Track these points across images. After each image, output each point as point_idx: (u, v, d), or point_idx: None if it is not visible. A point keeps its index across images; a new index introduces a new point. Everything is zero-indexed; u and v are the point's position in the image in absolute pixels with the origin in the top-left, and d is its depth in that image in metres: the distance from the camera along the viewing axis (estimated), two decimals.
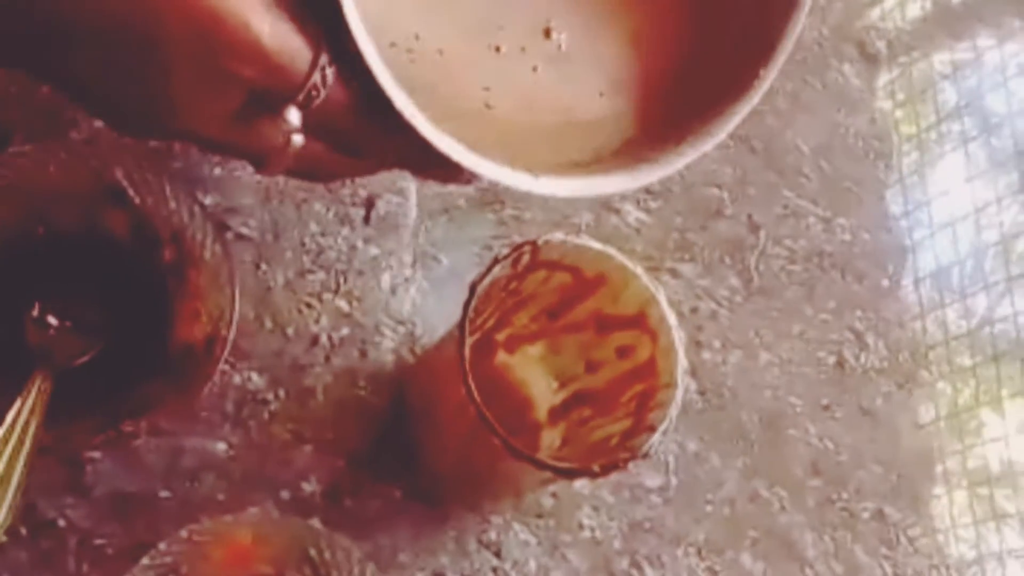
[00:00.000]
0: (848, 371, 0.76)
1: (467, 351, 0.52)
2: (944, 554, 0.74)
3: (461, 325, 0.53)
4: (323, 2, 0.43)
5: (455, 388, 0.53)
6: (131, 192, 0.58)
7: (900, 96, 0.85)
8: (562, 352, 0.61)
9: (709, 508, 0.70)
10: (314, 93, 0.44)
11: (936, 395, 0.77)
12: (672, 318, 0.56)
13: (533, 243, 0.54)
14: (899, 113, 0.85)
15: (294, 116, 0.45)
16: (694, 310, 0.74)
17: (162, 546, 0.53)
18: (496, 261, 0.54)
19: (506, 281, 0.57)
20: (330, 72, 0.44)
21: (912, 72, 0.86)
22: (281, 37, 0.43)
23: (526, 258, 0.55)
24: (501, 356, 0.62)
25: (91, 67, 0.43)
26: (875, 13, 0.87)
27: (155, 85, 0.43)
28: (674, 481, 0.70)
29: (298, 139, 0.46)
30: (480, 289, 0.54)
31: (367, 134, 0.47)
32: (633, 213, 0.74)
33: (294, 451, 0.63)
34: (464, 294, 0.52)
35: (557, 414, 0.62)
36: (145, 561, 0.53)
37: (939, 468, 0.76)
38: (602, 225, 0.74)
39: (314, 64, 0.44)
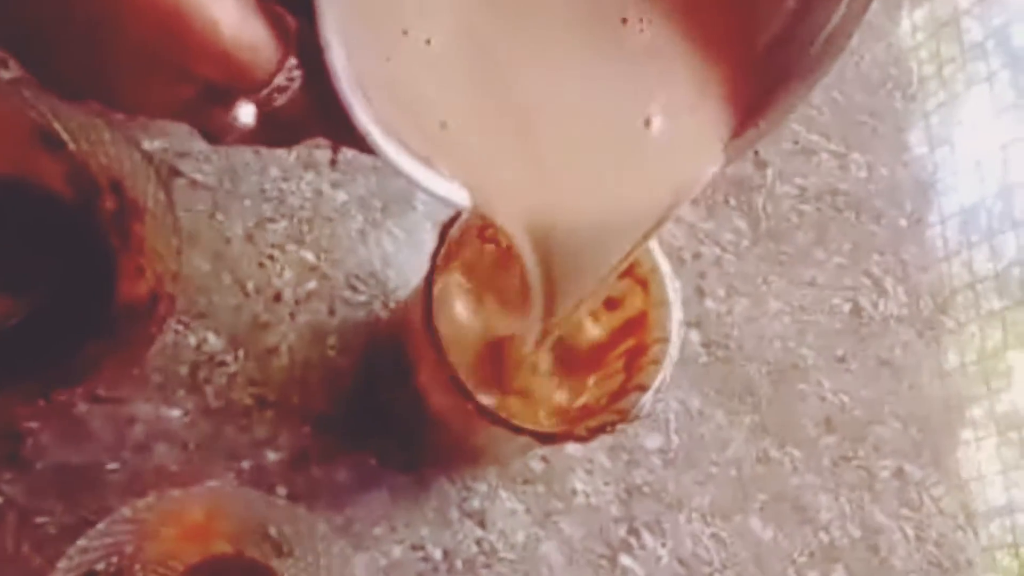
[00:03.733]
0: (865, 319, 0.72)
1: (433, 305, 0.48)
2: (970, 512, 0.70)
3: (428, 277, 0.49)
4: None
5: (428, 346, 0.49)
6: (66, 136, 0.54)
7: (921, 32, 0.81)
8: None
9: (714, 470, 0.67)
10: (276, 95, 0.41)
11: (962, 340, 0.73)
12: (665, 266, 0.52)
13: None
14: (922, 51, 0.80)
15: (247, 113, 0.41)
16: (696, 256, 0.70)
17: (102, 525, 0.49)
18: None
19: (482, 226, 0.53)
20: (297, 75, 0.40)
21: (935, 6, 0.81)
22: (248, 35, 0.39)
23: None
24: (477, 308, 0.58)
25: (26, 27, 0.39)
26: None
27: (101, 68, 0.39)
28: (675, 441, 0.66)
29: (247, 127, 0.43)
30: (452, 234, 0.50)
31: (321, 129, 0.44)
32: None
33: (256, 417, 0.60)
34: None
35: (541, 371, 0.57)
36: (82, 542, 0.48)
37: (966, 415, 0.72)
38: None
39: (280, 66, 0.40)
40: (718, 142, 0.41)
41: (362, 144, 0.40)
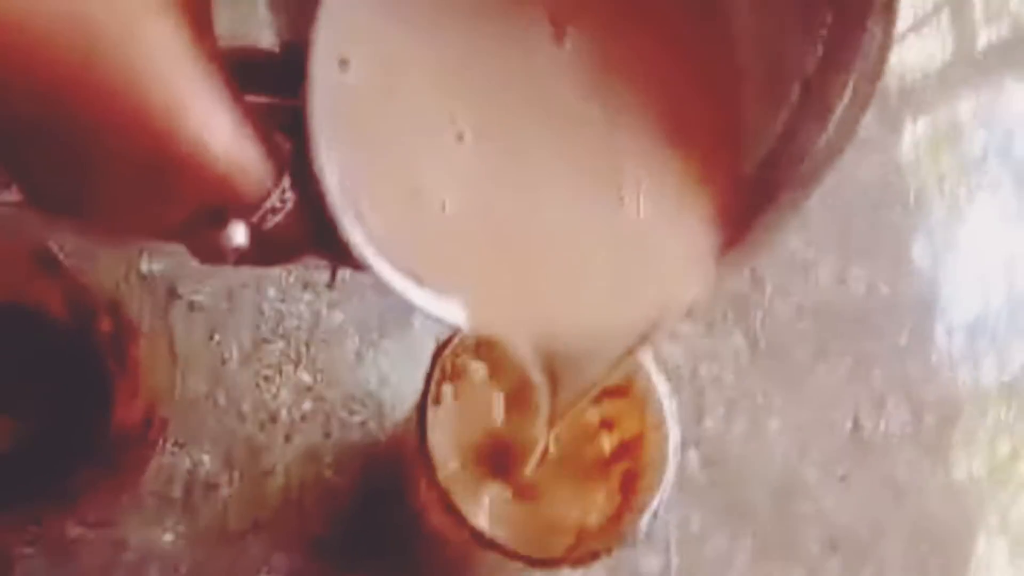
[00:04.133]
0: (866, 437, 0.72)
1: (428, 429, 0.48)
2: None
3: (422, 402, 0.49)
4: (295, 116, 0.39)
5: (423, 469, 0.49)
6: (63, 257, 0.55)
7: (922, 143, 0.82)
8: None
9: None
10: (269, 216, 0.41)
11: (971, 452, 0.73)
12: (663, 386, 0.52)
13: None
14: (922, 163, 0.81)
15: (240, 234, 0.42)
16: (695, 373, 0.70)
17: None
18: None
19: (477, 346, 0.53)
20: (290, 196, 0.41)
21: (935, 117, 0.82)
22: (241, 157, 0.39)
23: None
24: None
25: (15, 145, 0.40)
26: (893, 58, 0.83)
27: (87, 186, 0.39)
28: (675, 562, 0.66)
29: (240, 249, 0.43)
30: (447, 355, 0.50)
31: (315, 249, 0.45)
32: None
33: (250, 541, 0.59)
34: None
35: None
36: None
37: (978, 525, 0.71)
38: None
39: (274, 188, 0.40)
40: (703, 262, 0.42)
41: (357, 263, 0.41)
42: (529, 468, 0.51)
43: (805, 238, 0.76)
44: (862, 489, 0.71)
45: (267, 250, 0.44)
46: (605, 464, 0.54)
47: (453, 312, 0.41)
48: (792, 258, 0.75)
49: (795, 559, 0.68)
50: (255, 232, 0.42)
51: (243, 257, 0.44)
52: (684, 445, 0.63)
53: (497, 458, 0.53)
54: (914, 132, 0.82)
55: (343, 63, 0.38)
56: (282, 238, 0.43)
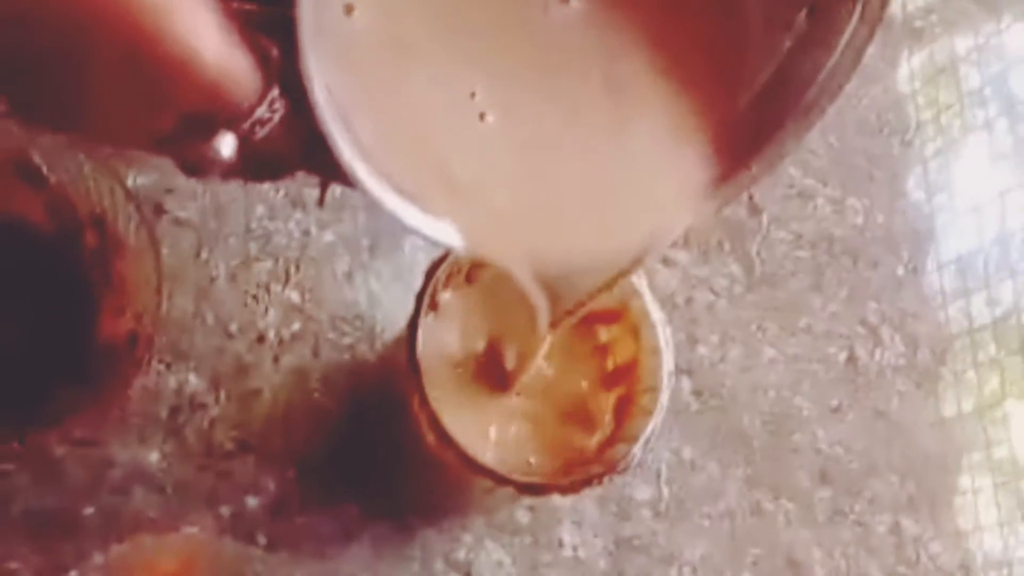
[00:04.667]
0: (861, 369, 0.72)
1: (419, 348, 0.48)
2: (968, 568, 0.70)
3: (412, 320, 0.49)
4: (284, 23, 0.38)
5: (413, 390, 0.49)
6: (46, 170, 0.54)
7: (920, 76, 0.81)
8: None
9: (706, 523, 0.66)
10: (258, 128, 0.40)
11: (960, 389, 0.73)
12: (657, 313, 0.52)
13: None
14: (919, 96, 0.80)
15: (228, 145, 0.41)
16: (689, 301, 0.70)
17: (74, 573, 0.48)
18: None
19: (471, 267, 0.52)
20: (280, 107, 0.40)
21: (933, 52, 0.81)
22: (230, 65, 0.38)
23: None
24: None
25: (1, 53, 0.39)
26: None
27: (77, 96, 0.39)
28: (666, 493, 0.66)
29: (228, 160, 0.42)
30: (440, 275, 0.50)
31: (303, 164, 0.44)
32: None
33: (237, 462, 0.59)
34: None
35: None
36: None
37: (964, 462, 0.72)
38: None
39: (262, 98, 0.39)
40: (695, 193, 0.42)
41: (348, 179, 0.40)
42: (522, 381, 0.51)
43: (803, 168, 0.75)
44: (855, 422, 0.71)
45: (256, 164, 0.43)
46: (600, 388, 0.53)
47: (447, 232, 0.41)
48: (790, 187, 0.75)
49: (786, 490, 0.68)
50: (244, 144, 0.41)
51: (231, 171, 0.43)
52: (676, 373, 0.63)
53: (490, 376, 0.52)
54: (912, 65, 0.81)
55: None
56: (271, 151, 0.42)
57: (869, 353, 0.72)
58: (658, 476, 0.66)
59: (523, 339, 0.50)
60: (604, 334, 0.54)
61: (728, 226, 0.72)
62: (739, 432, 0.68)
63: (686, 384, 0.68)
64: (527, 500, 0.62)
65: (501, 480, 0.48)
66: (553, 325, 0.44)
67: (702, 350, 0.69)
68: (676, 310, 0.69)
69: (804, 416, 0.70)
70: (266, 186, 0.64)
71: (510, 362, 0.52)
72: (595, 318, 0.54)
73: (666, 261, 0.70)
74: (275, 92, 0.40)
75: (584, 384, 0.54)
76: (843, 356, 0.72)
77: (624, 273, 0.43)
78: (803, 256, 0.73)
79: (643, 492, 0.65)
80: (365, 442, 0.60)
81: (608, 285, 0.43)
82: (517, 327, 0.51)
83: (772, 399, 0.70)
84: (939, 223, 0.78)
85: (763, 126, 0.44)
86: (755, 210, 0.73)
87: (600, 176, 0.43)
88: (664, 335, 0.51)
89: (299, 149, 0.42)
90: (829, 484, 0.69)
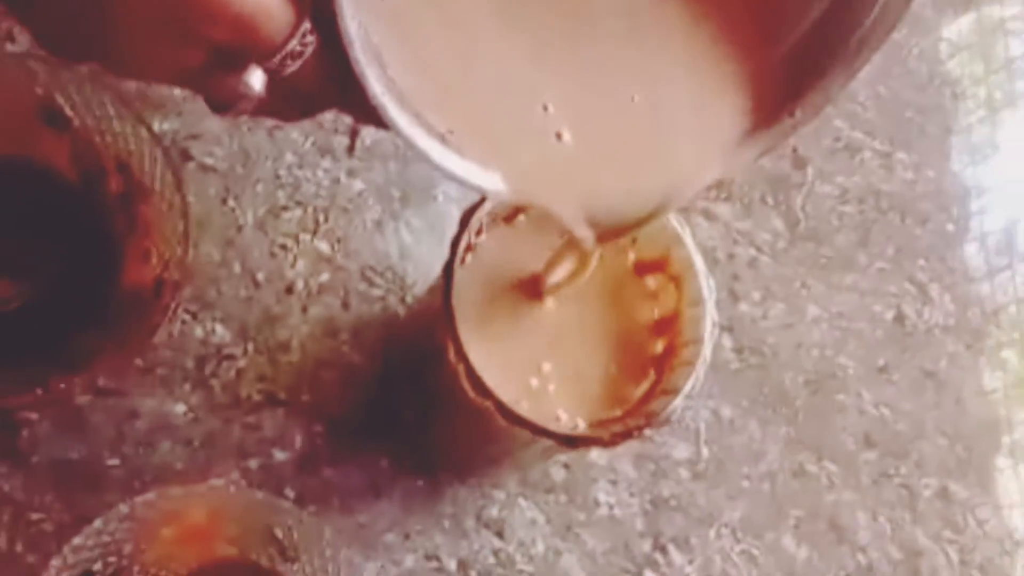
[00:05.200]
0: (908, 328, 0.71)
1: (454, 294, 0.47)
2: (1015, 538, 0.69)
3: (448, 266, 0.48)
4: None
5: (448, 340, 0.48)
6: (71, 113, 0.54)
7: (969, 37, 0.79)
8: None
9: (746, 484, 0.65)
10: (289, 62, 0.40)
11: (1003, 361, 0.72)
12: (700, 262, 0.51)
13: None
14: (967, 54, 0.79)
15: (258, 79, 0.41)
16: (731, 256, 0.69)
17: (98, 523, 0.48)
18: None
19: (510, 213, 0.52)
20: (311, 40, 0.40)
21: (981, 15, 0.80)
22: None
23: None
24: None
25: None
26: None
27: (104, 27, 0.39)
28: (705, 452, 0.65)
29: (257, 95, 0.42)
30: (475, 221, 0.49)
31: (334, 100, 0.44)
32: None
33: (264, 414, 0.59)
34: None
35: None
36: (78, 540, 0.48)
37: (1005, 439, 0.71)
38: None
39: (294, 31, 0.39)
40: (728, 142, 0.43)
41: (379, 119, 0.40)
42: (566, 328, 0.51)
43: (850, 120, 0.74)
44: (902, 382, 0.70)
45: (286, 101, 0.43)
46: (646, 337, 0.53)
47: (485, 177, 0.40)
48: (836, 140, 0.73)
49: (829, 453, 0.67)
50: (273, 79, 0.41)
51: (260, 107, 0.43)
52: (718, 330, 0.63)
53: (529, 313, 0.52)
54: (962, 23, 0.80)
55: None
56: (302, 87, 0.42)
57: (917, 312, 0.71)
58: (697, 435, 0.65)
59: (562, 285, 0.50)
60: (652, 282, 0.53)
61: (771, 179, 0.71)
62: (781, 391, 0.67)
63: (727, 341, 0.67)
64: (562, 457, 0.62)
65: (539, 431, 0.47)
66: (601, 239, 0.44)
67: (743, 307, 0.68)
68: (717, 265, 0.68)
69: (849, 376, 0.69)
70: (295, 134, 0.63)
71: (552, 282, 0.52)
72: (640, 267, 0.53)
73: (707, 215, 0.69)
74: (307, 25, 0.40)
75: (631, 332, 0.53)
76: (890, 315, 0.71)
77: (662, 210, 0.43)
78: (849, 211, 0.72)
79: (681, 451, 0.65)
80: (395, 395, 0.60)
81: (651, 220, 0.43)
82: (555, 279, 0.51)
83: (815, 358, 0.69)
84: (987, 185, 0.76)
85: (805, 72, 0.43)
86: (799, 163, 0.72)
87: (640, 117, 0.43)
88: (708, 285, 0.51)
89: (331, 85, 0.41)
90: (874, 446, 0.68)
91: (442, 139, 0.40)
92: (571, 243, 0.48)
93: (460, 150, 0.40)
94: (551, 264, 0.50)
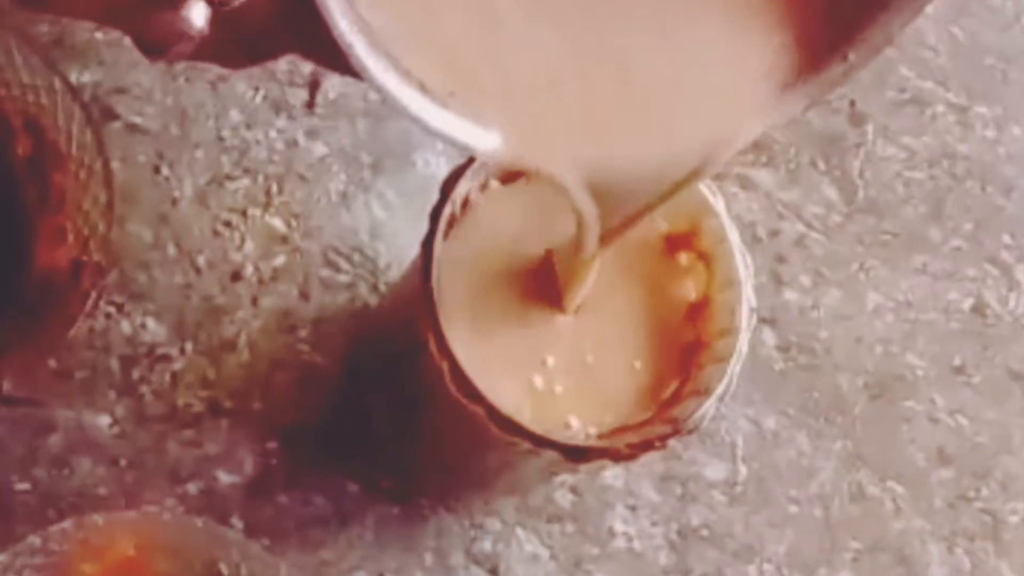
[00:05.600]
0: (990, 319, 0.72)
1: (434, 281, 0.48)
2: None
3: (427, 241, 0.48)
4: None
5: (428, 332, 0.49)
6: None
7: None
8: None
9: (793, 509, 0.66)
10: None
11: None
12: (735, 236, 0.51)
13: None
14: None
15: (199, 14, 0.42)
16: (774, 234, 0.70)
17: (3, 557, 0.49)
18: None
19: (508, 173, 0.52)
20: None
21: None
22: None
23: None
24: None
25: None
26: None
27: None
28: (744, 471, 0.66)
29: (199, 33, 0.43)
30: (461, 187, 0.50)
31: (291, 41, 0.45)
32: None
33: (206, 427, 0.60)
34: None
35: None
36: None
37: None
38: None
39: None
40: (765, 90, 0.42)
41: (346, 66, 0.40)
42: (571, 306, 0.51)
43: (918, 67, 0.75)
44: (982, 385, 0.70)
45: (232, 41, 0.44)
46: (677, 326, 0.53)
47: (483, 136, 0.41)
48: (901, 92, 0.74)
49: (895, 471, 0.68)
50: (218, 14, 0.41)
51: (201, 51, 0.44)
52: (758, 321, 0.63)
53: (533, 304, 0.52)
54: None
55: None
56: (251, 25, 0.42)
57: (1001, 300, 0.72)
58: (733, 450, 0.66)
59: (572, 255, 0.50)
60: (685, 260, 0.54)
61: (823, 139, 0.72)
62: (836, 397, 0.68)
63: (769, 337, 0.68)
64: (569, 478, 0.63)
65: (540, 442, 0.47)
66: (605, 241, 0.44)
67: (789, 294, 0.69)
68: (758, 244, 0.69)
69: (918, 378, 0.70)
70: (242, 86, 0.64)
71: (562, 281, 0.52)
72: (671, 243, 0.54)
73: (745, 183, 0.70)
74: None
75: (660, 319, 0.53)
76: (968, 303, 0.72)
77: (688, 181, 0.44)
78: (918, 178, 0.73)
79: (715, 470, 0.65)
80: (366, 403, 0.61)
81: (669, 195, 0.44)
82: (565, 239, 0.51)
83: (878, 356, 0.69)
84: None
85: (861, 5, 0.44)
86: (857, 119, 0.73)
87: (658, 65, 0.43)
88: (744, 263, 0.51)
89: (286, 22, 0.42)
90: (950, 463, 0.69)
91: (423, 89, 0.40)
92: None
93: (448, 102, 0.40)
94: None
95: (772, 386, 0.67)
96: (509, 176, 0.53)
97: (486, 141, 0.40)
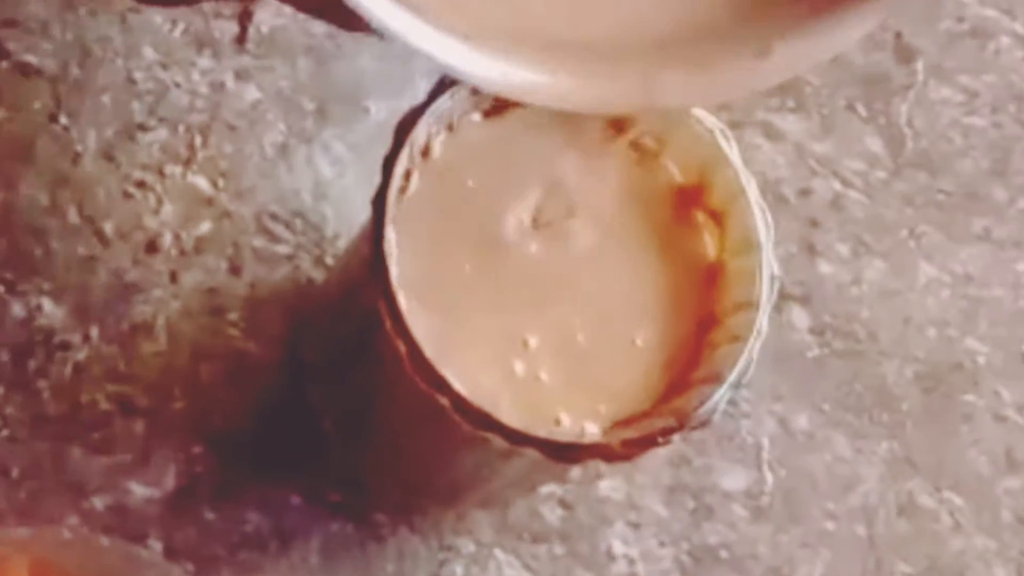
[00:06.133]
0: None
1: (388, 244, 0.48)
2: None
3: (379, 199, 0.49)
4: None
5: (381, 312, 0.49)
6: None
7: None
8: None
9: (830, 526, 0.66)
10: None
11: None
12: (754, 191, 0.52)
13: None
14: None
15: None
16: (805, 193, 0.70)
17: None
18: (441, 87, 0.50)
19: (489, 106, 0.53)
20: None
21: None
22: None
23: None
24: None
25: None
26: None
27: None
28: (770, 480, 0.66)
29: None
30: (420, 130, 0.50)
31: None
32: None
33: (117, 429, 0.60)
34: None
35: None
36: None
37: None
38: None
39: None
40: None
41: None
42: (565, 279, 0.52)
43: None
44: None
45: None
46: (690, 297, 0.53)
47: (490, 64, 0.41)
48: (959, 21, 0.75)
49: (952, 479, 0.68)
50: None
51: None
52: (786, 299, 0.64)
53: (500, 278, 0.52)
54: None
55: None
56: None
57: None
58: (758, 454, 0.66)
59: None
60: (700, 218, 0.54)
61: (863, 79, 0.72)
62: (881, 390, 0.68)
63: (801, 317, 0.68)
64: (558, 489, 0.63)
65: (518, 439, 0.48)
66: None
67: (825, 267, 0.69)
68: (785, 206, 0.69)
69: (980, 367, 0.70)
70: (158, 18, 0.64)
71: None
72: (684, 196, 0.54)
73: (769, 131, 0.70)
74: None
75: (670, 286, 0.54)
76: None
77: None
78: (978, 125, 0.74)
79: (735, 479, 0.66)
80: (311, 400, 0.61)
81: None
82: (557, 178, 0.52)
83: (931, 341, 0.70)
84: None
85: None
86: (905, 55, 0.73)
87: None
88: (765, 222, 0.51)
89: None
90: (1019, 469, 0.69)
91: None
92: None
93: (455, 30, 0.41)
94: None
95: (804, 376, 0.68)
96: (493, 108, 0.53)
97: (494, 69, 0.41)
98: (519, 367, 0.52)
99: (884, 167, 0.72)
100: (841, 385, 0.68)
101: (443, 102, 0.50)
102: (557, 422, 0.52)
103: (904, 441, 0.68)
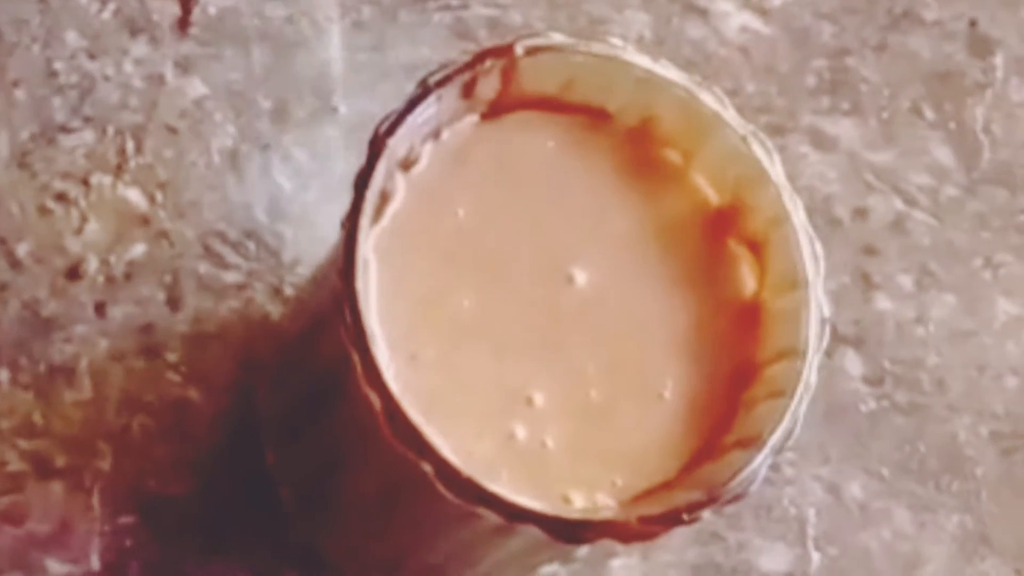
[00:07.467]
0: None
1: (359, 276, 0.48)
2: None
3: (350, 221, 0.49)
4: None
5: (350, 358, 0.49)
6: None
7: None
8: None
9: None
10: None
11: None
12: (801, 216, 0.52)
13: (503, 50, 0.50)
14: None
15: None
16: (861, 213, 0.70)
17: None
18: (426, 90, 0.50)
19: (487, 107, 0.53)
20: None
21: None
22: None
23: (491, 82, 0.51)
24: None
25: None
26: None
27: None
28: (816, 559, 0.66)
29: None
30: (401, 136, 0.50)
31: None
32: (736, 17, 0.71)
33: (31, 494, 0.60)
34: None
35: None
36: None
37: None
38: (672, 39, 0.70)
39: None
40: None
41: None
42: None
43: None
44: None
45: None
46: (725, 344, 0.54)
47: None
48: None
49: None
50: None
51: None
52: (837, 342, 0.64)
53: (497, 318, 0.53)
54: None
55: None
56: None
57: None
58: (802, 530, 0.66)
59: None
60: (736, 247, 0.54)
61: (931, 76, 0.73)
62: (950, 452, 0.69)
63: (854, 363, 0.69)
64: (562, 571, 0.64)
65: (516, 514, 0.48)
66: None
67: (883, 303, 0.70)
68: (837, 230, 0.70)
69: None
70: None
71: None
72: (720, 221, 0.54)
73: (817, 138, 0.70)
74: None
75: (702, 331, 0.54)
76: None
77: None
78: None
79: (774, 558, 0.66)
80: (264, 461, 0.61)
81: None
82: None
83: (1011, 393, 0.70)
84: None
85: None
86: (980, 47, 0.74)
87: None
88: (814, 255, 0.51)
89: None
90: None
91: None
92: None
93: None
94: None
95: (858, 435, 0.68)
96: (490, 111, 0.53)
97: None
98: (521, 430, 0.52)
99: (955, 182, 0.72)
100: (902, 446, 0.69)
101: (429, 104, 0.50)
102: (566, 500, 0.52)
103: (977, 514, 0.68)
